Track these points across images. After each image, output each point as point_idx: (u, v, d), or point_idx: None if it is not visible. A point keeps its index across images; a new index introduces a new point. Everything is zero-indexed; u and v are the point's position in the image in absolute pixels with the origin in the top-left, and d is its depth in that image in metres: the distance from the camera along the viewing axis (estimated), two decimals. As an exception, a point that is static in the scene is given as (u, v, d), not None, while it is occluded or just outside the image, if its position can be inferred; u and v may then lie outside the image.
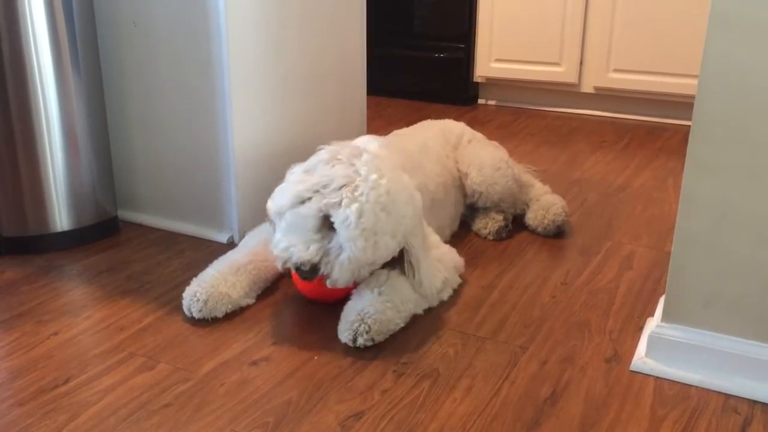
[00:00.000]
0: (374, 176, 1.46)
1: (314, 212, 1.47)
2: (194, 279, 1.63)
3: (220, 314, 1.58)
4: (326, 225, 1.48)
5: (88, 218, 1.98)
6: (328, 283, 1.50)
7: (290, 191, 1.51)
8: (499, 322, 1.60)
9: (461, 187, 2.03)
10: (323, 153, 1.56)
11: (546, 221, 2.03)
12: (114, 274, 1.82)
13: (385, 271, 1.57)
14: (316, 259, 1.47)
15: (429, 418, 1.28)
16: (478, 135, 2.15)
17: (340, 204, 1.44)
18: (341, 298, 1.58)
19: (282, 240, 1.51)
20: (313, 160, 1.56)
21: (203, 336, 1.54)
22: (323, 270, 1.48)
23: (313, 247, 1.47)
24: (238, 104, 1.91)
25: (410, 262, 1.56)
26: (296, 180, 1.54)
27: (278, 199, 1.54)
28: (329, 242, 1.47)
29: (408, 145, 1.91)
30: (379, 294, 1.51)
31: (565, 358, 1.46)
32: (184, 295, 1.60)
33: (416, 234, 1.55)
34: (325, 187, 1.48)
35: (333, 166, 1.51)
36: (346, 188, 1.45)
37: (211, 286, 1.59)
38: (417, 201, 1.56)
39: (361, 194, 1.44)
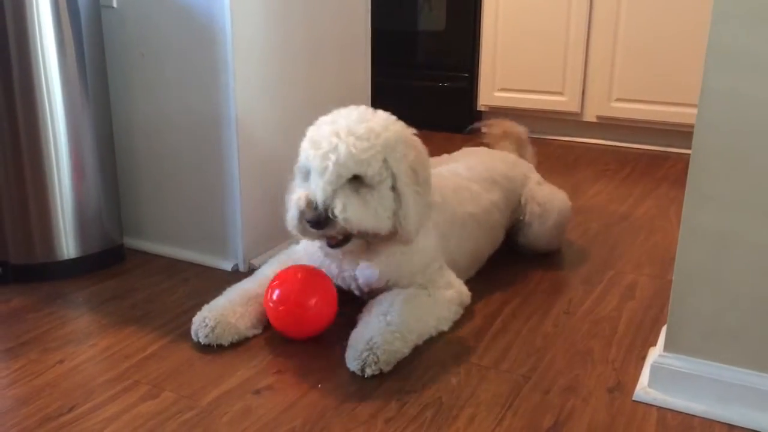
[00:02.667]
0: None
1: None
2: (206, 305, 1.65)
3: (225, 343, 1.60)
4: None
5: (94, 246, 2.00)
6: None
7: None
8: (502, 352, 1.60)
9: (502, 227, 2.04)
10: None
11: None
12: (119, 302, 1.83)
13: (389, 298, 1.59)
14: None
15: (432, 447, 1.28)
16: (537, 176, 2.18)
17: None
18: (313, 333, 1.62)
19: None
20: None
21: (207, 364, 1.54)
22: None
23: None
24: (244, 133, 1.94)
25: (397, 194, 1.55)
26: None
27: None
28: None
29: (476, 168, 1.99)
30: (387, 324, 1.53)
31: (567, 387, 1.47)
32: (194, 319, 1.62)
33: (402, 169, 1.54)
34: None
35: None
36: None
37: (221, 314, 1.61)
38: (392, 134, 1.55)
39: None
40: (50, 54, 1.83)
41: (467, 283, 1.79)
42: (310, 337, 1.62)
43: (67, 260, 1.96)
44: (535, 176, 2.13)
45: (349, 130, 1.50)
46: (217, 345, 1.59)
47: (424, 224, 1.63)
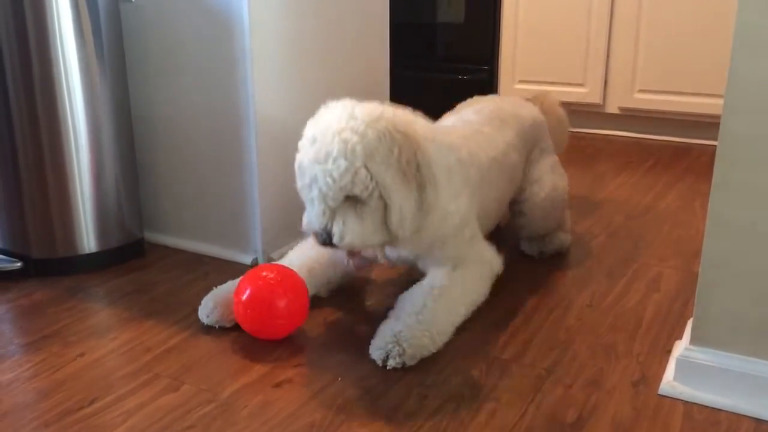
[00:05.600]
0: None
1: None
2: (215, 288, 1.70)
3: (227, 324, 1.64)
4: None
5: (114, 240, 2.00)
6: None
7: None
8: (523, 345, 1.58)
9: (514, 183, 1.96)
10: None
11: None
12: (139, 295, 1.83)
13: (422, 297, 1.57)
14: None
15: (453, 441, 1.27)
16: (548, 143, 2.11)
17: None
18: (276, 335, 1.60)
19: None
20: None
21: (227, 358, 1.54)
22: None
23: None
24: (263, 127, 1.93)
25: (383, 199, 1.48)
26: None
27: None
28: None
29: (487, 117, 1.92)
30: (419, 322, 1.51)
31: (591, 381, 1.44)
32: (202, 300, 1.68)
33: (386, 174, 1.44)
34: None
35: None
36: None
37: (222, 297, 1.66)
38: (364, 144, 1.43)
39: None
40: (70, 48, 1.83)
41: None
42: (272, 338, 1.60)
43: (87, 254, 1.96)
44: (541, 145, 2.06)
45: (327, 152, 1.42)
46: (219, 327, 1.64)
47: (426, 215, 1.52)
